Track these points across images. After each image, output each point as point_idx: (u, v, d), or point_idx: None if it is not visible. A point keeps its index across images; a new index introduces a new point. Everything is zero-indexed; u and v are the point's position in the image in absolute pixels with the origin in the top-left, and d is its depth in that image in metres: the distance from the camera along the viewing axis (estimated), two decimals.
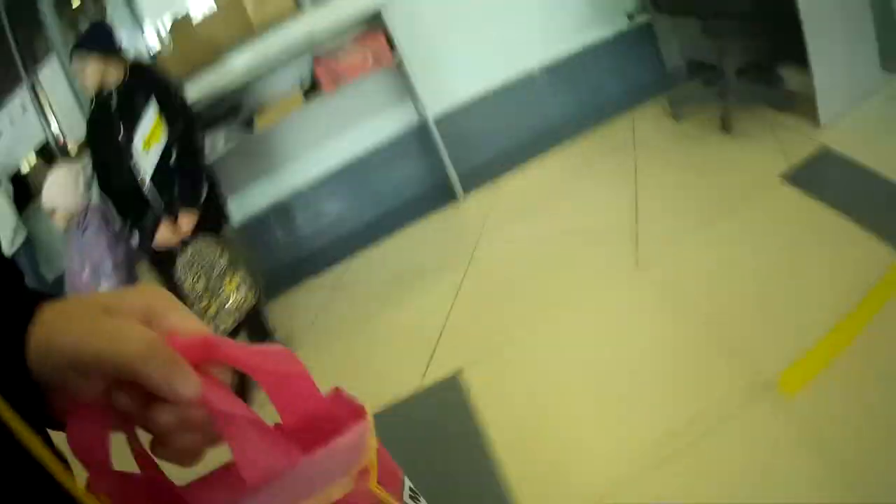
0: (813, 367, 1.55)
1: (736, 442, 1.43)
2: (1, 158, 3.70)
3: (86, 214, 2.62)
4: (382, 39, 2.73)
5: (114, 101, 2.41)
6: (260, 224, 3.12)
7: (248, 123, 2.75)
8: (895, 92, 2.70)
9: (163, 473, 0.37)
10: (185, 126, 2.43)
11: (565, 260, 2.36)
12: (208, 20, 2.93)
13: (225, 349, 0.34)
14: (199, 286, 2.32)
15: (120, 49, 2.49)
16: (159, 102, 2.39)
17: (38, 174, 3.72)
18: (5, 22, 3.32)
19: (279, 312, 2.87)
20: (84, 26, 3.07)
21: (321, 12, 2.88)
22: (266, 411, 0.35)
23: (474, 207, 2.99)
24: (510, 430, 1.73)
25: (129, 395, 0.33)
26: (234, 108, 2.80)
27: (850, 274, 1.78)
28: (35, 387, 0.33)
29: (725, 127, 2.68)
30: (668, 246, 2.19)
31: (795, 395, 1.49)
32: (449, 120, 3.09)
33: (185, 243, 2.38)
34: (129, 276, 2.57)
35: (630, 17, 2.78)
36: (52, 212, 2.65)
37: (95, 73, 2.38)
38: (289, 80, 2.88)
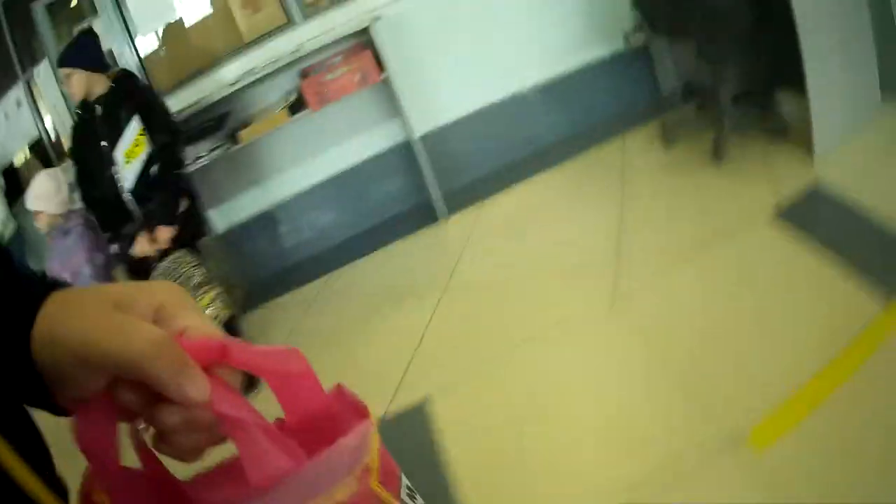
0: (786, 421, 1.50)
1: (700, 497, 1.38)
2: None
3: (69, 219, 2.63)
4: (370, 56, 2.70)
5: (98, 112, 2.42)
6: (243, 234, 3.10)
7: (234, 135, 2.74)
8: (890, 119, 2.64)
9: (166, 469, 0.36)
10: (168, 139, 2.44)
11: (542, 292, 2.30)
12: (199, 29, 2.92)
13: (235, 352, 0.34)
14: None
15: (105, 61, 2.50)
16: (142, 115, 2.40)
17: (31, 169, 3.73)
18: (3, 20, 3.31)
19: (255, 325, 2.86)
20: (77, 29, 3.08)
21: (311, 26, 2.85)
22: (269, 405, 0.35)
23: (457, 229, 2.95)
24: (474, 464, 1.69)
25: (135, 393, 0.32)
26: (221, 118, 2.79)
27: (834, 320, 1.72)
28: (38, 376, 0.33)
29: (717, 155, 2.62)
30: (646, 283, 2.14)
31: (765, 449, 1.44)
32: (436, 138, 3.05)
33: (162, 255, 2.39)
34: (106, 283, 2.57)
35: (626, 37, 2.72)
36: (36, 214, 2.66)
37: (81, 84, 2.40)
38: (277, 93, 2.86)
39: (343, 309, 2.75)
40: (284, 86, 2.83)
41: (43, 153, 3.71)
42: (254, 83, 2.76)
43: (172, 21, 2.97)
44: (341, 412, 0.37)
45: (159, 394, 0.32)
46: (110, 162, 2.41)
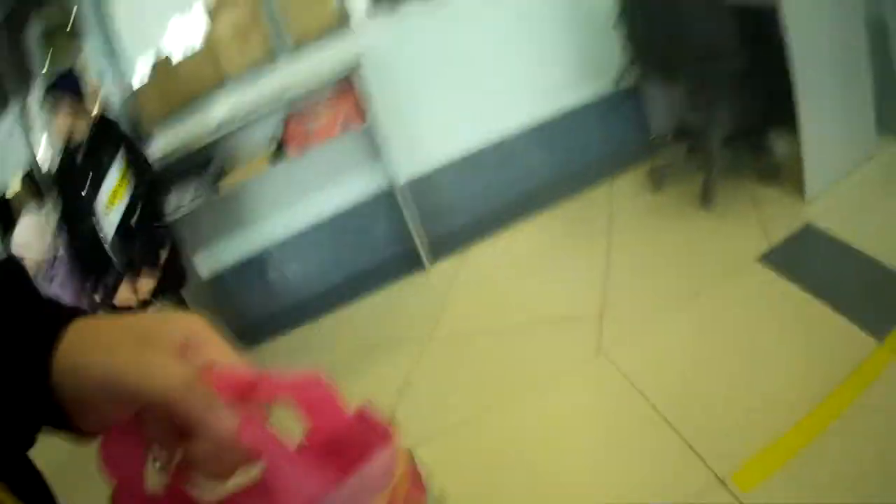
0: (771, 464, 1.48)
1: None
2: None
3: (53, 265, 2.62)
4: (353, 101, 2.67)
5: (80, 156, 2.41)
6: (227, 280, 3.06)
7: (217, 179, 2.72)
8: (890, 157, 2.59)
9: (189, 493, 0.36)
10: (148, 189, 2.44)
11: (527, 342, 2.27)
12: (183, 66, 2.89)
13: (263, 385, 0.34)
14: None
15: (87, 103, 2.49)
16: (123, 164, 2.39)
17: (23, 200, 3.73)
18: None
19: None
20: (67, 63, 3.08)
21: (296, 66, 2.82)
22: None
23: (441, 277, 2.90)
24: None
25: (162, 424, 0.33)
26: (205, 162, 2.77)
27: (823, 363, 1.70)
28: (55, 405, 0.33)
29: (706, 199, 2.58)
30: (632, 332, 2.10)
31: (749, 492, 1.42)
32: (422, 183, 3.01)
33: (144, 304, 2.38)
34: None
35: (617, 78, 2.68)
36: (21, 258, 2.66)
37: (63, 126, 2.40)
38: (262, 135, 2.82)
39: (324, 358, 2.72)
40: (269, 127, 2.80)
41: (35, 185, 3.71)
42: (238, 126, 2.72)
43: (161, 56, 2.95)
44: (365, 435, 0.36)
45: (186, 426, 0.32)
46: (91, 210, 2.40)
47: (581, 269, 2.53)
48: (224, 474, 0.34)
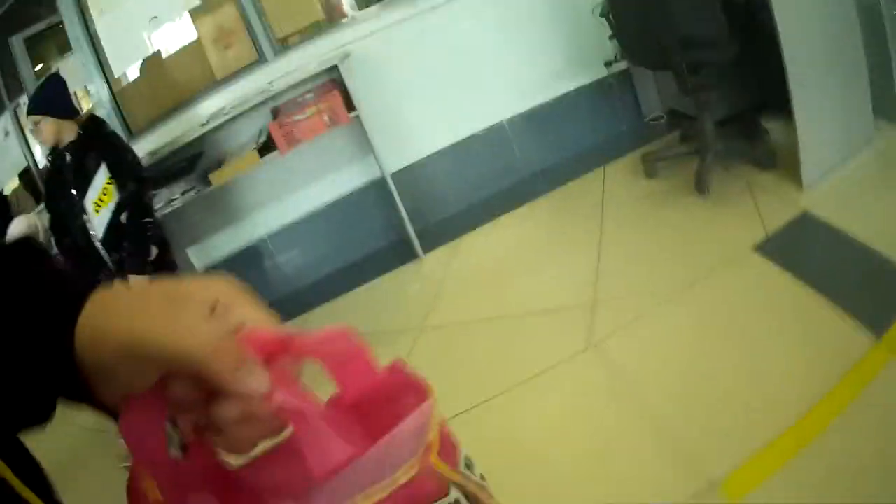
0: (763, 469, 1.44)
1: None
2: None
3: None
4: (339, 96, 2.64)
5: (67, 160, 2.40)
6: (220, 273, 3.07)
7: (207, 176, 2.72)
8: (888, 143, 2.54)
9: (212, 456, 0.35)
10: (136, 187, 2.42)
11: (517, 333, 2.23)
12: (172, 66, 2.89)
13: (293, 345, 0.34)
14: None
15: (74, 107, 2.48)
16: (111, 163, 2.38)
17: (20, 199, 3.75)
18: None
19: None
20: (50, 69, 3.08)
21: (282, 63, 2.80)
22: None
23: (433, 268, 2.87)
24: None
25: (188, 387, 0.32)
26: (193, 158, 2.76)
27: (822, 358, 1.66)
28: (78, 375, 0.32)
29: (700, 187, 2.53)
30: (624, 324, 2.06)
31: (745, 496, 1.39)
32: (412, 174, 2.99)
33: None
34: None
35: (608, 64, 2.63)
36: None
37: (50, 132, 2.39)
38: (250, 132, 2.81)
39: None
40: (257, 124, 2.79)
41: (32, 183, 3.73)
42: (226, 122, 2.71)
43: (147, 57, 2.94)
44: (399, 390, 0.36)
45: (213, 388, 0.31)
46: (81, 210, 2.39)
47: (573, 259, 2.49)
48: (251, 439, 0.33)
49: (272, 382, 0.32)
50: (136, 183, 2.41)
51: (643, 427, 1.68)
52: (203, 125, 2.71)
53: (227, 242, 2.96)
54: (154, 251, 2.41)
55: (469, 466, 0.37)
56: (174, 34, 2.94)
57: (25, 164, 3.70)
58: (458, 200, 3.08)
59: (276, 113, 2.74)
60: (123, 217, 2.37)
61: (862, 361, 1.63)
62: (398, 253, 2.94)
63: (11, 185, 3.83)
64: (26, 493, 0.34)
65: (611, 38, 2.58)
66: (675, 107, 2.79)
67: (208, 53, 2.87)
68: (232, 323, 0.33)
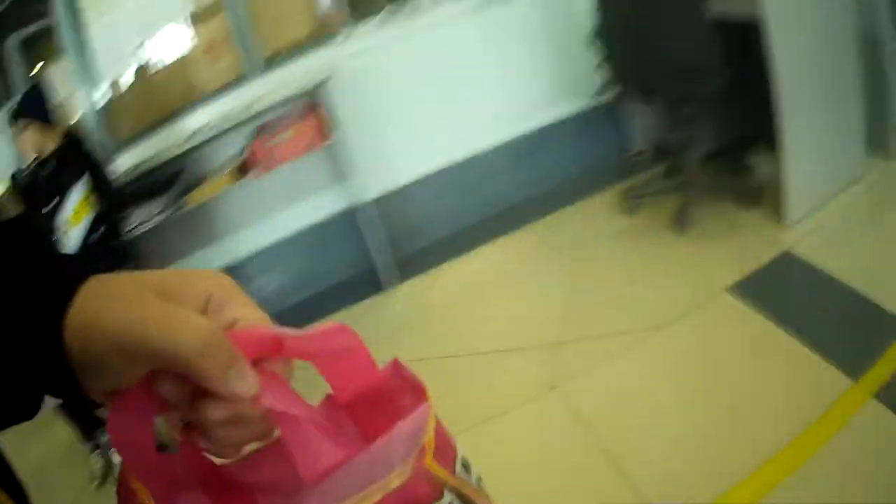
0: None
1: None
2: None
3: None
4: (318, 119, 2.61)
5: (46, 173, 2.40)
6: None
7: (184, 194, 2.69)
8: (879, 180, 2.49)
9: (203, 455, 0.34)
10: (111, 205, 2.42)
11: (483, 372, 2.20)
12: (159, 78, 2.87)
13: (289, 344, 0.33)
14: None
15: (55, 120, 2.48)
16: (86, 180, 2.38)
17: (10, 202, 3.73)
18: None
19: None
20: (40, 76, 3.07)
21: (267, 80, 2.77)
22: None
23: (406, 299, 2.82)
24: None
25: (176, 385, 0.31)
26: (174, 176, 2.74)
27: (791, 407, 1.64)
28: (66, 365, 0.31)
29: (681, 223, 2.48)
30: (589, 366, 2.02)
31: None
32: (391, 201, 2.94)
33: None
34: None
35: (595, 95, 2.58)
36: None
37: (35, 139, 2.39)
38: (231, 150, 2.78)
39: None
40: (240, 143, 2.76)
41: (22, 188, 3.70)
42: (209, 140, 2.69)
43: (135, 68, 2.92)
44: (398, 390, 0.36)
45: (204, 389, 0.30)
46: (55, 226, 2.38)
47: (544, 296, 2.45)
48: (238, 443, 0.32)
49: (262, 384, 0.31)
50: (111, 201, 2.42)
51: (608, 471, 1.65)
52: (185, 141, 2.68)
53: (201, 264, 2.92)
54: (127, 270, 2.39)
55: (466, 468, 0.36)
56: (164, 45, 2.93)
57: (14, 168, 3.69)
58: (437, 229, 3.03)
59: (259, 132, 2.71)
60: (97, 235, 2.37)
61: (837, 404, 1.61)
62: (373, 282, 2.89)
63: (1, 187, 3.82)
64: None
65: (598, 66, 2.53)
66: (661, 140, 2.73)
67: (196, 66, 2.85)
68: (225, 320, 0.33)
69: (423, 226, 3.03)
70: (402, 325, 2.68)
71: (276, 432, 0.32)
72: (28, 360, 0.31)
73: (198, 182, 2.73)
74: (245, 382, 0.30)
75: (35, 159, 2.43)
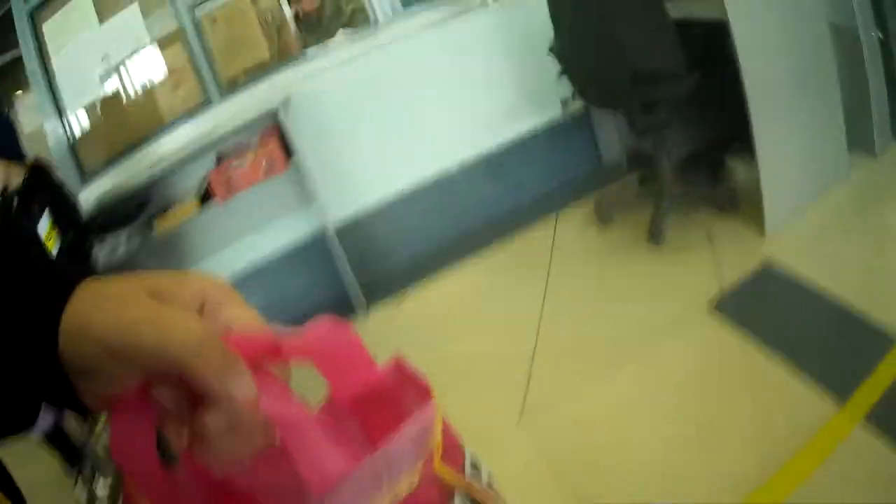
0: None
1: None
2: None
3: None
4: (278, 143, 2.55)
5: (14, 205, 2.38)
6: None
7: (151, 223, 2.66)
8: (864, 178, 2.38)
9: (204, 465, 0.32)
10: (77, 235, 2.39)
11: (451, 401, 2.11)
12: (121, 111, 2.84)
13: (286, 347, 0.32)
14: None
15: (22, 150, 2.46)
16: (54, 210, 2.35)
17: None
18: None
19: None
20: (9, 106, 3.05)
21: (227, 106, 2.73)
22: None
23: (375, 326, 2.73)
24: None
25: (172, 391, 0.30)
26: (140, 205, 2.70)
27: (776, 433, 1.55)
28: (61, 370, 0.30)
29: (654, 238, 2.38)
30: (559, 394, 1.94)
31: None
32: (357, 225, 2.87)
33: None
34: None
35: (564, 103, 2.48)
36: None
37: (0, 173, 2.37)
38: (197, 177, 2.74)
39: None
40: (202, 170, 2.71)
41: None
42: (173, 169, 2.65)
43: (98, 98, 2.89)
44: (401, 388, 0.35)
45: (200, 393, 0.29)
46: None
47: (515, 318, 2.35)
48: (237, 452, 0.31)
49: (260, 387, 0.30)
50: (77, 231, 2.39)
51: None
52: (149, 170, 2.64)
53: None
54: None
55: (475, 468, 0.35)
56: (126, 75, 2.89)
57: None
58: (406, 252, 2.95)
59: (220, 158, 2.67)
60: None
61: (824, 429, 1.52)
62: (340, 309, 2.82)
63: None
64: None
65: (560, 75, 2.44)
66: (636, 147, 2.63)
67: (158, 95, 2.81)
68: (220, 323, 0.32)
69: (392, 249, 2.96)
70: (373, 352, 2.59)
71: (278, 439, 0.31)
72: (23, 365, 0.31)
73: (164, 210, 2.70)
74: (242, 384, 0.29)
75: (4, 191, 2.41)
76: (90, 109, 2.91)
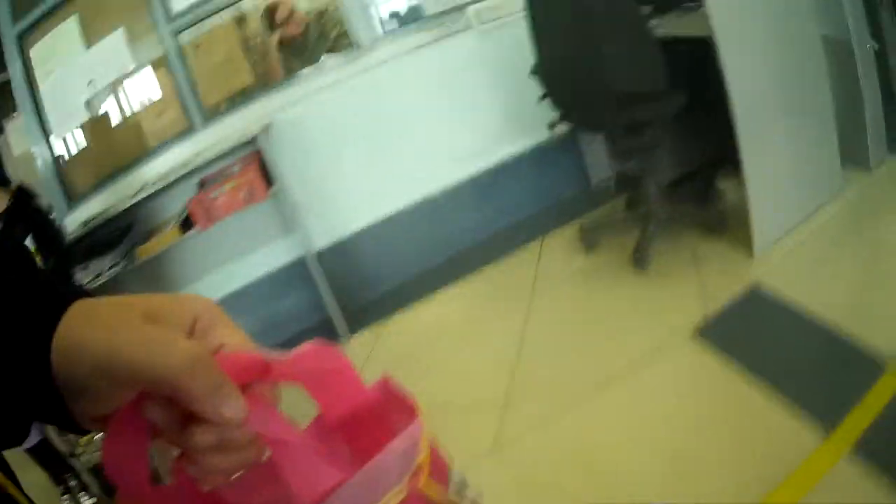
0: None
1: None
2: None
3: None
4: (258, 171, 2.53)
5: None
6: None
7: (133, 248, 2.65)
8: (858, 195, 2.31)
9: (196, 482, 0.34)
10: (58, 260, 2.39)
11: (429, 430, 2.07)
12: (108, 135, 2.85)
13: (275, 367, 0.33)
14: None
15: (7, 176, 2.46)
16: (36, 235, 2.35)
17: None
18: None
19: None
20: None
21: (210, 132, 2.72)
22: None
23: (356, 352, 2.66)
24: None
25: (164, 409, 0.31)
26: (124, 230, 2.70)
27: (763, 459, 1.50)
28: (54, 389, 0.31)
29: (638, 262, 2.31)
30: (537, 423, 1.88)
31: None
32: (340, 251, 2.84)
33: None
34: None
35: (551, 126, 2.43)
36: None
37: None
38: (177, 205, 2.73)
39: None
40: (186, 196, 2.71)
41: None
42: (156, 193, 2.64)
43: (87, 122, 2.90)
44: (388, 408, 0.35)
45: (190, 411, 0.30)
46: None
47: (495, 345, 2.30)
48: (227, 470, 0.32)
49: (250, 408, 0.31)
50: (61, 257, 2.39)
51: None
52: (132, 196, 2.64)
53: None
54: None
55: (463, 488, 0.36)
56: (112, 100, 2.90)
57: None
58: (389, 278, 2.92)
59: (202, 184, 2.66)
60: None
61: (810, 459, 1.47)
62: (325, 334, 2.77)
63: None
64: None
65: (541, 98, 2.39)
66: (623, 170, 2.57)
67: (142, 119, 2.81)
68: (211, 343, 0.33)
69: (375, 274, 2.93)
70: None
71: (267, 455, 0.32)
72: (15, 384, 0.31)
73: (147, 236, 2.69)
74: (233, 405, 0.30)
75: None
76: (76, 134, 2.93)
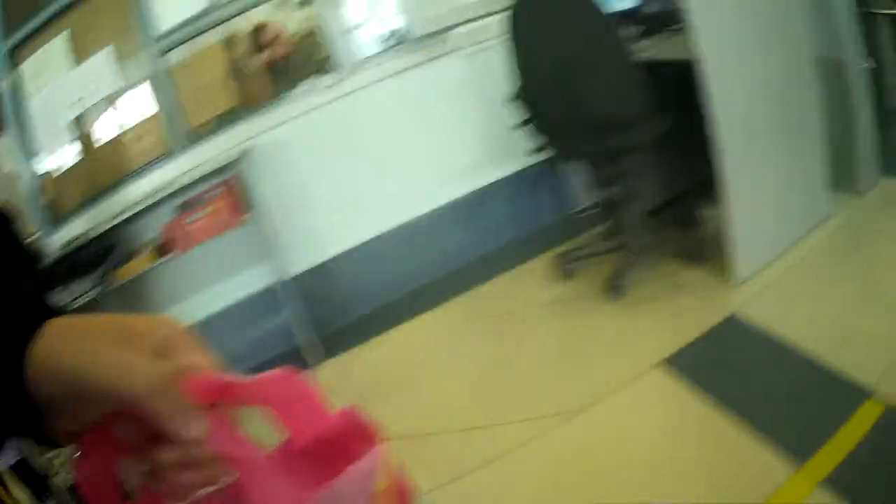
0: None
1: None
2: None
3: None
4: (235, 196, 2.52)
5: None
6: None
7: (112, 271, 2.64)
8: (847, 221, 2.24)
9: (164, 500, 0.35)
10: (35, 282, 2.37)
11: (395, 458, 2.02)
12: (91, 157, 2.85)
13: (238, 390, 0.34)
14: None
15: None
16: (10, 259, 2.34)
17: None
18: None
19: None
20: None
21: (189, 156, 2.71)
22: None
23: (329, 379, 2.63)
24: None
25: (132, 427, 0.33)
26: (105, 252, 2.70)
27: (733, 493, 1.45)
28: (30, 404, 0.32)
29: (615, 290, 2.26)
30: (499, 454, 1.83)
31: None
32: (317, 276, 2.82)
33: None
34: None
35: (532, 152, 2.39)
36: None
37: None
38: (156, 228, 2.74)
39: None
40: (165, 219, 2.71)
41: None
42: (139, 215, 2.64)
43: (70, 142, 2.91)
44: (351, 436, 0.36)
45: (158, 432, 0.32)
46: None
47: (468, 373, 2.26)
48: (191, 486, 0.33)
49: (212, 428, 0.32)
50: (37, 279, 2.38)
51: None
52: (112, 218, 2.64)
53: None
54: None
55: None
56: (97, 121, 2.91)
57: None
58: (367, 302, 2.89)
59: (181, 208, 2.66)
60: None
61: (780, 492, 1.43)
62: (298, 361, 2.74)
63: None
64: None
65: (522, 125, 2.35)
66: (604, 197, 2.52)
67: (126, 140, 2.81)
68: (176, 365, 0.33)
69: (354, 298, 2.90)
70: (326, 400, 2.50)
71: (228, 478, 0.33)
72: None
73: (128, 258, 2.69)
74: (194, 425, 0.32)
75: None
76: (63, 152, 2.94)
